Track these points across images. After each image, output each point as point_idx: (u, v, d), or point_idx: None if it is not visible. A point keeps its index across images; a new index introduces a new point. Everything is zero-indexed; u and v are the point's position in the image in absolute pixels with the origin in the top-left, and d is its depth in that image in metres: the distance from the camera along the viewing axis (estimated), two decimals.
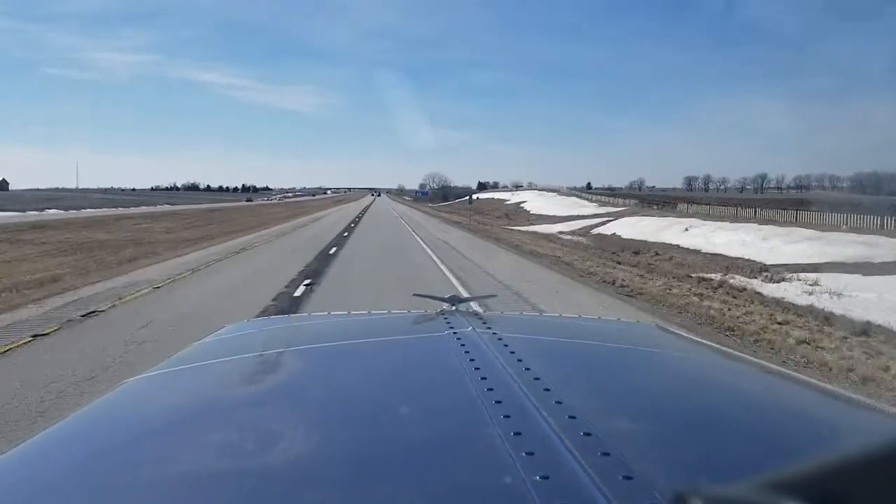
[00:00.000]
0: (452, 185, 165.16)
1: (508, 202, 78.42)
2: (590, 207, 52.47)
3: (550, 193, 75.60)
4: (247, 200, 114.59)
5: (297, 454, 0.82)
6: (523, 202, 71.11)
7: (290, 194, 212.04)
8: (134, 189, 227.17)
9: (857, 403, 1.29)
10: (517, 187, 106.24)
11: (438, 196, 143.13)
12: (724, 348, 1.73)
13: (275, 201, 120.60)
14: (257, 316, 6.85)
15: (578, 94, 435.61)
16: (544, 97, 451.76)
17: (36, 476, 0.85)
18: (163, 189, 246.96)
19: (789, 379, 1.45)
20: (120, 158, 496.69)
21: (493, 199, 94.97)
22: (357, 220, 42.42)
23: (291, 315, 2.51)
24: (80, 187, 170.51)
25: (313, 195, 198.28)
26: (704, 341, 1.90)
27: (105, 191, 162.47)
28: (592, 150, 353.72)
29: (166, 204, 78.41)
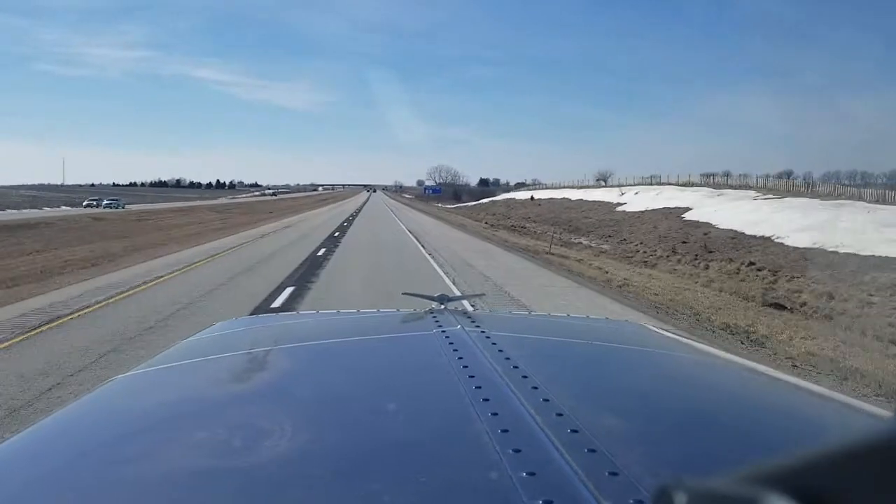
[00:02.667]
0: (463, 181, 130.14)
1: (622, 208, 41.22)
2: None
3: (746, 192, 38.50)
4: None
5: (285, 452, 0.81)
6: (687, 209, 33.97)
7: (257, 192, 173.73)
8: (93, 185, 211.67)
9: (837, 401, 1.28)
10: (602, 181, 68.37)
11: (448, 194, 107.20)
12: (708, 347, 1.72)
13: (175, 206, 60.69)
14: None
15: (578, 89, 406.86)
16: (542, 92, 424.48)
17: (22, 474, 0.84)
18: (125, 186, 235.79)
19: (772, 377, 1.46)
20: (112, 155, 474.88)
21: (564, 199, 56.83)
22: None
23: (281, 313, 2.56)
24: (67, 184, 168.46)
25: (270, 194, 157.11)
26: (689, 340, 1.90)
27: (61, 187, 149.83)
28: (596, 145, 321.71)
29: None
